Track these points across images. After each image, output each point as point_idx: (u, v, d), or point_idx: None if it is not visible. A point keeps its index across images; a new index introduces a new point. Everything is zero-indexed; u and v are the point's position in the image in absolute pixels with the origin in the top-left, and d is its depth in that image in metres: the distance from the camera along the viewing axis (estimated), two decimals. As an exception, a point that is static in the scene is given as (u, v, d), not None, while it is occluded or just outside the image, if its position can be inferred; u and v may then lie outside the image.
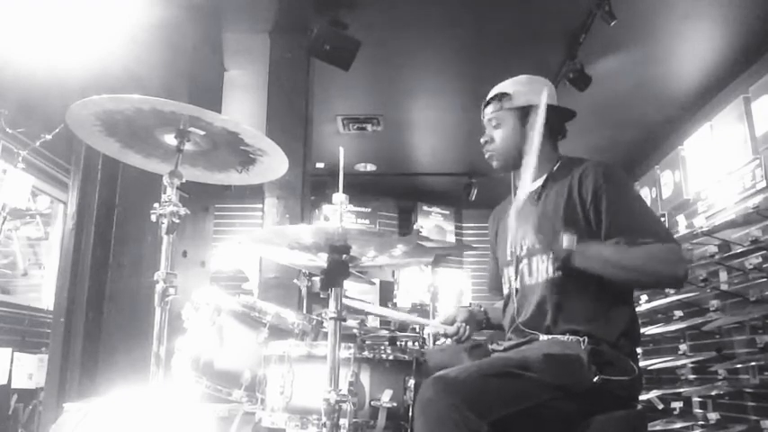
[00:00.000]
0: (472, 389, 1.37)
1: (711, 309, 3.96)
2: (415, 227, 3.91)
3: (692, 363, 4.21)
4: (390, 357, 1.63)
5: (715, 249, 3.91)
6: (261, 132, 1.65)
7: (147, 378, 1.57)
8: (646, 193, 5.49)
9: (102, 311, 2.96)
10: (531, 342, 1.67)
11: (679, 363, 4.22)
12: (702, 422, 3.87)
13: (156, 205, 1.62)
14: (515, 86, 1.86)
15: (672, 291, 4.25)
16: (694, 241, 4.06)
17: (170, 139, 1.67)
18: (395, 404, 1.56)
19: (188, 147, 1.67)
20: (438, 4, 3.94)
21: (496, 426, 1.34)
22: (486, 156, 1.89)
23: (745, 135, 4.00)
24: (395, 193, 7.64)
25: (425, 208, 7.74)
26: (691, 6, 3.83)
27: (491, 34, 4.25)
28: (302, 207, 3.87)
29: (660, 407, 4.14)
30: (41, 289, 4.77)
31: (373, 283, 6.22)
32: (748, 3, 3.76)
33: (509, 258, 1.84)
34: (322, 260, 1.60)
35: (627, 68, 4.52)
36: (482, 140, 1.89)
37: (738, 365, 3.74)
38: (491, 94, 1.89)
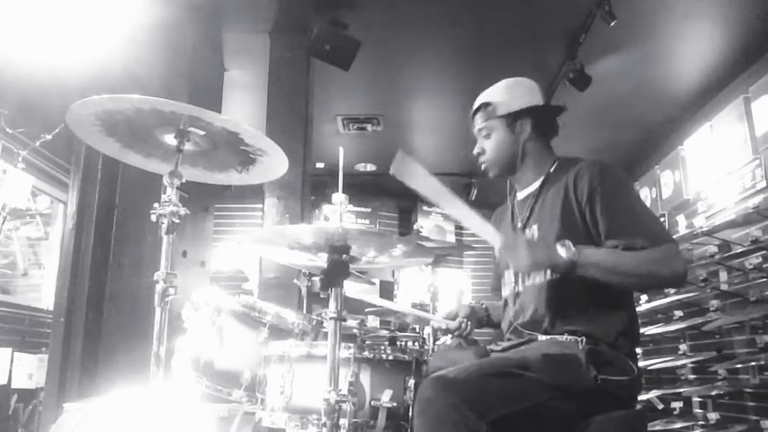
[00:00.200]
0: (471, 389, 1.37)
1: (711, 309, 3.96)
2: (415, 227, 3.90)
3: (692, 363, 4.21)
4: (390, 357, 1.63)
5: (715, 249, 3.90)
6: (261, 132, 1.65)
7: (147, 378, 1.57)
8: (646, 193, 5.49)
9: (102, 311, 2.96)
10: (529, 342, 1.67)
11: (679, 363, 4.22)
12: (702, 422, 3.87)
13: (156, 205, 1.62)
14: (498, 95, 1.85)
15: (672, 290, 4.26)
16: (694, 241, 4.06)
17: (170, 139, 1.67)
18: (395, 404, 1.56)
19: (188, 147, 1.67)
20: (438, 4, 3.94)
21: (496, 425, 1.34)
22: (482, 167, 1.89)
23: (745, 135, 4.00)
24: (395, 193, 7.63)
25: (425, 208, 7.73)
26: (691, 6, 3.83)
27: (491, 34, 4.25)
28: (302, 207, 3.87)
29: (660, 407, 4.14)
30: (41, 289, 4.76)
31: (373, 283, 6.21)
32: (748, 3, 3.76)
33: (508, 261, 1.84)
34: (322, 260, 1.61)
35: (627, 68, 4.52)
36: (474, 152, 1.89)
37: (738, 365, 3.74)
38: (476, 105, 1.89)
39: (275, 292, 3.64)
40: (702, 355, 4.02)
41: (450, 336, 1.99)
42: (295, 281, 2.89)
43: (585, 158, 1.73)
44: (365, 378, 1.60)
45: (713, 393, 3.83)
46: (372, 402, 1.57)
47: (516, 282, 1.79)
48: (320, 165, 6.11)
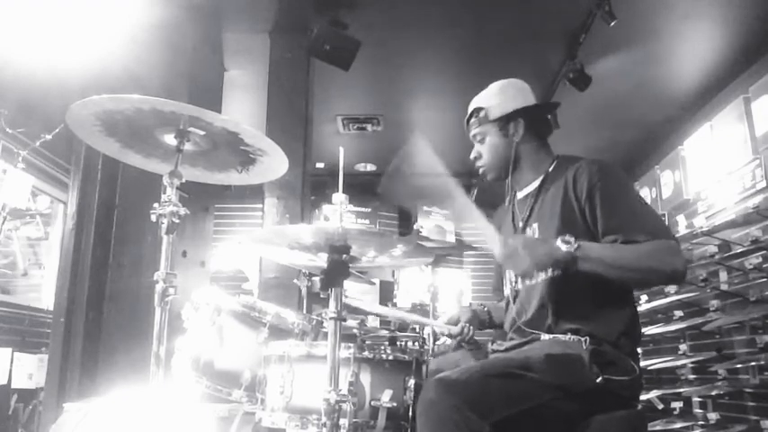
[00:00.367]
0: (474, 390, 1.37)
1: (711, 309, 3.96)
2: (415, 227, 3.91)
3: (692, 363, 4.21)
4: (390, 357, 1.63)
5: (715, 249, 3.90)
6: (261, 132, 1.65)
7: (147, 378, 1.57)
8: (646, 193, 5.49)
9: (102, 311, 2.96)
10: (532, 342, 1.67)
11: (679, 363, 4.22)
12: (702, 422, 3.87)
13: (156, 205, 1.62)
14: (489, 99, 1.86)
15: (672, 290, 4.25)
16: (694, 241, 4.06)
17: (170, 139, 1.67)
18: (395, 404, 1.56)
19: (188, 147, 1.67)
20: (438, 4, 3.94)
21: (498, 426, 1.34)
22: (480, 171, 1.90)
23: (745, 135, 4.00)
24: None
25: (425, 208, 7.73)
26: (691, 6, 3.83)
27: (491, 34, 4.25)
28: (302, 207, 3.87)
29: (660, 407, 4.14)
30: (41, 289, 4.76)
31: (373, 283, 6.22)
32: (748, 3, 3.76)
33: None
34: (322, 260, 1.61)
35: (627, 68, 4.52)
36: (471, 157, 1.90)
37: (738, 365, 3.74)
38: (470, 110, 1.89)
39: (275, 292, 3.64)
40: (702, 355, 4.02)
41: (449, 340, 1.99)
42: (295, 281, 2.89)
43: (585, 158, 1.73)
44: (365, 378, 1.60)
45: (713, 393, 3.83)
46: (372, 402, 1.57)
47: (517, 280, 1.79)
48: (320, 165, 6.11)
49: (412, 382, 1.60)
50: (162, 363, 1.57)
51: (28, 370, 4.10)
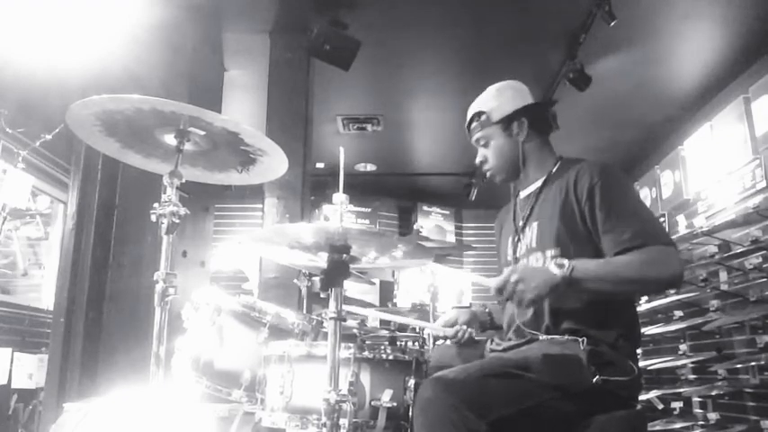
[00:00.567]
0: (471, 389, 1.37)
1: (711, 309, 3.96)
2: (415, 227, 3.90)
3: (692, 363, 4.21)
4: (390, 357, 1.63)
5: (715, 249, 3.91)
6: (261, 132, 1.65)
7: (147, 378, 1.57)
8: (646, 194, 5.49)
9: (102, 311, 2.96)
10: (530, 342, 1.67)
11: (679, 363, 4.22)
12: (702, 422, 3.87)
13: (156, 205, 1.62)
14: (488, 102, 1.86)
15: (672, 290, 4.26)
16: (694, 241, 4.06)
17: (170, 139, 1.67)
18: (395, 404, 1.56)
19: (188, 147, 1.67)
20: (438, 4, 3.94)
21: (496, 426, 1.35)
22: (487, 175, 1.91)
23: (745, 135, 3.99)
24: (395, 193, 7.63)
25: (425, 208, 7.74)
26: (691, 6, 3.83)
27: (491, 34, 4.25)
28: (302, 207, 3.87)
29: (660, 407, 4.14)
30: (41, 289, 4.76)
31: (373, 283, 6.22)
32: (748, 3, 3.76)
33: (509, 259, 1.85)
34: (322, 260, 1.61)
35: (627, 68, 4.52)
36: (477, 162, 1.90)
37: (738, 365, 3.73)
38: (469, 116, 1.89)
39: (275, 292, 3.64)
40: (702, 355, 4.02)
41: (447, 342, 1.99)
42: (295, 281, 2.89)
43: (588, 159, 1.73)
44: (365, 378, 1.60)
45: (713, 393, 3.83)
46: (372, 402, 1.57)
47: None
48: (320, 165, 6.11)
49: (412, 381, 1.60)
50: (162, 363, 1.57)
51: (28, 370, 4.10)
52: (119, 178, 3.12)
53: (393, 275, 6.89)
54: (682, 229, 4.61)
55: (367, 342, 3.52)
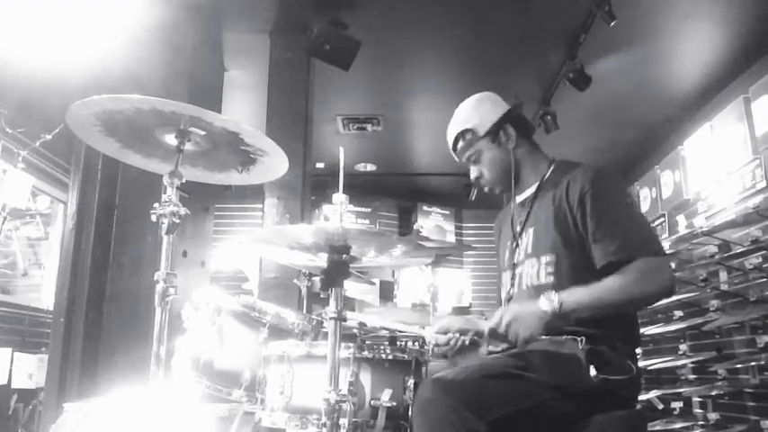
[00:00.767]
0: (471, 389, 1.37)
1: (711, 309, 3.96)
2: (415, 227, 3.90)
3: (692, 363, 4.21)
4: (390, 357, 1.63)
5: (715, 249, 3.90)
6: (261, 132, 1.65)
7: (147, 378, 1.57)
8: (646, 194, 5.49)
9: (102, 311, 2.96)
10: (529, 342, 1.66)
11: (679, 363, 4.22)
12: (702, 422, 3.87)
13: (156, 205, 1.62)
14: (470, 118, 1.85)
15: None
16: (694, 241, 4.05)
17: (170, 139, 1.67)
18: (395, 404, 1.56)
19: (188, 147, 1.67)
20: (438, 4, 3.94)
21: (495, 426, 1.35)
22: (486, 189, 1.90)
23: (745, 135, 3.99)
24: (395, 193, 7.64)
25: (425, 208, 7.74)
26: (691, 6, 3.83)
27: (491, 34, 4.25)
28: (302, 207, 3.87)
29: (660, 407, 4.14)
30: (41, 289, 4.76)
31: (373, 283, 6.22)
32: (748, 3, 3.76)
33: (506, 263, 1.85)
34: (322, 260, 1.61)
35: (627, 68, 4.52)
36: (472, 178, 1.89)
37: (738, 365, 3.73)
38: (452, 137, 1.89)
39: (275, 292, 3.64)
40: (702, 355, 4.02)
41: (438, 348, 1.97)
42: (295, 281, 2.88)
43: (584, 164, 1.72)
44: (365, 378, 1.60)
45: (713, 393, 3.83)
46: (372, 402, 1.57)
47: (512, 285, 1.78)
48: (320, 165, 6.11)
49: (412, 381, 1.60)
50: (162, 363, 1.58)
51: (28, 370, 4.10)
52: (119, 178, 3.12)
53: (393, 275, 6.89)
54: (682, 229, 4.61)
55: (367, 342, 3.52)
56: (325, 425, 1.46)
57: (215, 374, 1.95)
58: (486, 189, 1.90)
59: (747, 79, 4.20)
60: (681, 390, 4.03)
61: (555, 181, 1.74)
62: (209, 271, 4.11)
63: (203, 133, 1.63)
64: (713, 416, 3.86)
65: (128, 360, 2.76)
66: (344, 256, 1.56)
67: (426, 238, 3.65)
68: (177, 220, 1.63)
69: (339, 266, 1.56)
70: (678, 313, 4.28)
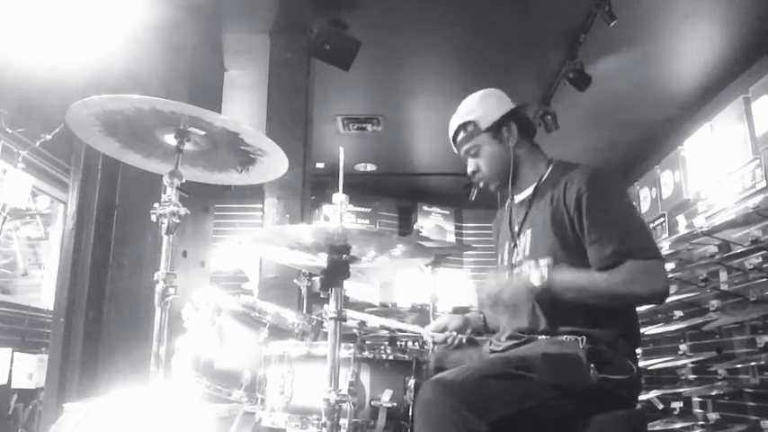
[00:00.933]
0: (471, 390, 1.37)
1: (711, 309, 3.96)
2: (415, 227, 3.90)
3: (692, 363, 4.21)
4: (390, 357, 1.63)
5: (715, 249, 3.90)
6: (261, 132, 1.65)
7: (147, 378, 1.57)
8: (646, 194, 5.49)
9: (102, 311, 2.96)
10: (529, 342, 1.66)
11: (679, 363, 4.22)
12: (702, 422, 3.87)
13: (156, 205, 1.62)
14: (473, 111, 1.85)
15: (672, 291, 4.26)
16: (694, 241, 4.06)
17: (170, 139, 1.67)
18: (395, 404, 1.56)
19: (188, 147, 1.68)
20: (438, 4, 3.94)
21: (496, 426, 1.35)
22: (481, 184, 1.89)
23: (745, 135, 3.99)
24: (395, 193, 7.64)
25: (425, 208, 7.74)
26: (691, 6, 3.83)
27: (491, 34, 4.25)
28: (302, 207, 3.87)
29: (660, 407, 4.14)
30: (41, 289, 4.76)
31: (373, 284, 6.22)
32: (748, 3, 3.76)
33: (505, 264, 1.85)
34: (322, 260, 1.61)
35: (627, 68, 4.52)
36: (469, 172, 1.88)
37: (738, 365, 3.73)
38: (454, 128, 1.88)
39: (275, 292, 3.64)
40: (702, 355, 4.02)
41: (435, 347, 1.98)
42: (295, 281, 2.88)
43: (582, 165, 1.71)
44: (365, 378, 1.60)
45: (713, 393, 3.82)
46: (372, 402, 1.57)
47: None
48: (320, 165, 6.11)
49: (412, 382, 1.60)
50: (162, 363, 1.58)
51: (28, 370, 4.10)
52: (119, 178, 3.12)
53: (393, 275, 6.88)
54: (682, 229, 4.61)
55: (367, 342, 3.52)
56: (325, 425, 1.46)
57: (215, 374, 1.95)
58: (481, 184, 1.89)
59: (747, 79, 4.20)
60: (681, 390, 4.03)
61: (553, 182, 1.74)
62: (209, 271, 4.11)
63: (203, 133, 1.63)
64: (713, 416, 3.85)
65: (128, 360, 2.76)
66: (344, 256, 1.56)
67: (426, 238, 3.65)
68: (177, 220, 1.63)
69: (339, 266, 1.56)
70: (678, 313, 4.28)
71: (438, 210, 7.81)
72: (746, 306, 3.65)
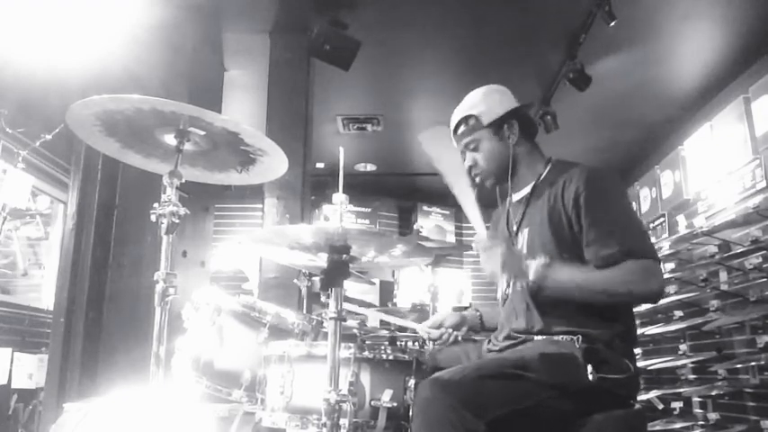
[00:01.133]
0: (469, 389, 1.37)
1: (711, 309, 3.96)
2: (415, 227, 3.90)
3: (692, 363, 4.21)
4: (390, 357, 1.63)
5: (715, 249, 3.90)
6: (261, 132, 1.65)
7: (147, 378, 1.57)
8: (646, 194, 5.49)
9: (102, 311, 2.96)
10: (526, 342, 1.66)
11: (679, 363, 4.22)
12: (702, 422, 3.87)
13: (155, 205, 1.62)
14: (477, 105, 1.85)
15: (672, 290, 4.26)
16: (694, 241, 4.06)
17: (170, 139, 1.67)
18: (395, 404, 1.56)
19: (188, 147, 1.68)
20: (438, 4, 3.94)
21: (494, 425, 1.35)
22: (477, 180, 1.88)
23: (745, 135, 4.00)
24: (395, 193, 7.64)
25: (425, 208, 7.74)
26: (691, 6, 3.83)
27: (491, 34, 4.25)
28: (302, 207, 3.87)
29: (660, 407, 4.14)
30: (41, 289, 4.76)
31: (373, 283, 6.22)
32: (748, 3, 3.76)
33: None
34: (322, 260, 1.61)
35: (627, 68, 4.52)
36: (467, 166, 1.87)
37: (738, 365, 3.73)
38: (455, 121, 1.88)
39: (275, 292, 3.64)
40: (702, 355, 4.02)
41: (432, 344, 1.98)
42: (295, 281, 2.89)
43: (581, 164, 1.71)
44: (365, 378, 1.60)
45: (713, 393, 3.83)
46: (372, 402, 1.57)
47: (508, 284, 1.78)
48: (320, 165, 6.11)
49: (412, 381, 1.60)
50: (162, 363, 1.57)
51: (28, 370, 4.10)
52: (119, 178, 3.12)
53: (393, 275, 6.88)
54: (682, 229, 4.61)
55: (367, 342, 3.52)
56: (325, 425, 1.46)
57: (215, 374, 1.95)
58: (477, 180, 1.88)
59: (747, 79, 4.20)
60: (681, 390, 4.03)
61: (551, 181, 1.74)
62: (209, 271, 4.11)
63: (203, 133, 1.63)
64: (713, 416, 3.86)
65: (128, 360, 2.76)
66: (344, 256, 1.56)
67: (426, 238, 3.65)
68: (177, 220, 1.63)
69: (339, 266, 1.56)
70: (678, 313, 4.28)
71: (438, 210, 7.80)
72: (746, 306, 3.65)
